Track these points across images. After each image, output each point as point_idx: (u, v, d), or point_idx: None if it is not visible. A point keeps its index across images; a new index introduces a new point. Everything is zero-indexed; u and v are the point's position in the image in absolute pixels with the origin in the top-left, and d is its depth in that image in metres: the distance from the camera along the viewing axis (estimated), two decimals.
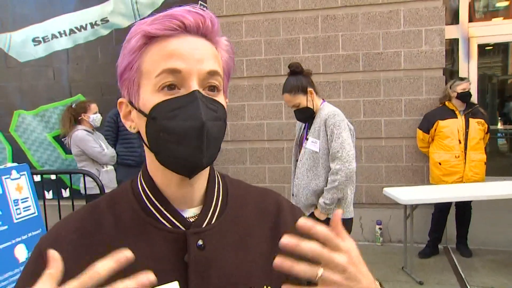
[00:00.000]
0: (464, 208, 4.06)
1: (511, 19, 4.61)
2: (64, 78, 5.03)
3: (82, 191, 3.83)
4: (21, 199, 2.52)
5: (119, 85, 0.71)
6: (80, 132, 3.80)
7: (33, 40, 5.02)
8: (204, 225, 0.69)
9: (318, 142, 2.49)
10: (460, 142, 3.89)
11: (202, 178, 0.72)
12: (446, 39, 4.31)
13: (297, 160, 2.70)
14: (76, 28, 4.94)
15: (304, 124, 2.72)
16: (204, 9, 0.66)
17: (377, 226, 4.45)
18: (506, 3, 4.78)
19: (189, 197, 0.70)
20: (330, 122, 2.43)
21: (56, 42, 5.00)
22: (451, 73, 4.63)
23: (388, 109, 4.40)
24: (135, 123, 0.70)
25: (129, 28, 0.68)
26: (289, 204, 0.82)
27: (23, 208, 2.52)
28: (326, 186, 2.46)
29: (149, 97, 0.64)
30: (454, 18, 4.56)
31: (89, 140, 3.78)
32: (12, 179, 2.50)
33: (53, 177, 4.27)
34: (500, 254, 4.08)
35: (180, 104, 0.63)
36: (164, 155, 0.65)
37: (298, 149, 2.73)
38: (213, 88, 0.66)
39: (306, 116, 2.61)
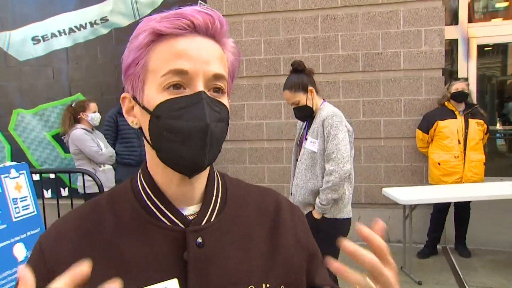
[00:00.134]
0: (463, 208, 4.07)
1: (510, 19, 4.62)
2: (64, 77, 5.03)
3: (80, 190, 3.84)
4: (20, 198, 2.52)
5: (123, 80, 0.70)
6: (78, 131, 3.81)
7: (33, 39, 5.02)
8: (203, 223, 0.69)
9: (316, 142, 2.49)
10: (459, 143, 3.90)
11: (202, 177, 0.72)
12: (445, 40, 4.31)
13: (297, 160, 2.70)
14: (76, 27, 4.94)
15: (304, 124, 2.73)
16: (214, 10, 0.66)
17: None
18: (505, 4, 4.79)
19: (188, 196, 0.71)
20: (328, 123, 2.44)
21: (55, 41, 4.99)
22: (451, 74, 4.63)
23: (387, 109, 4.41)
24: (137, 119, 0.70)
25: (128, 27, 0.68)
26: (288, 203, 0.83)
27: (22, 207, 2.52)
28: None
29: (154, 95, 0.64)
30: (453, 19, 4.57)
31: (86, 139, 3.79)
32: (11, 178, 2.50)
33: (52, 176, 4.27)
34: (499, 254, 4.08)
35: (185, 104, 0.63)
36: (166, 153, 0.65)
37: (298, 149, 2.73)
38: (217, 90, 0.67)
39: (305, 114, 2.61)
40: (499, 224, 4.19)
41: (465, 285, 3.46)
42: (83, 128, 3.86)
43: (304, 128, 2.72)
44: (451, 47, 4.65)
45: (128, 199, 0.71)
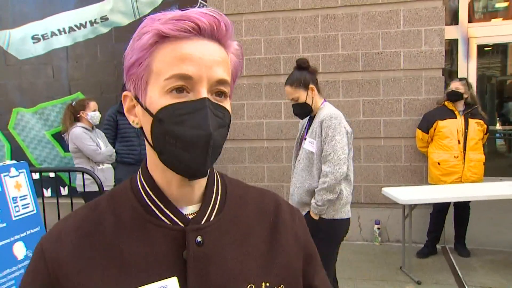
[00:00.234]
0: (462, 208, 4.07)
1: (510, 19, 4.62)
2: (63, 76, 5.03)
3: (79, 189, 3.84)
4: (20, 197, 2.52)
5: (125, 78, 0.69)
6: (77, 129, 3.82)
7: (32, 37, 5.02)
8: (203, 222, 0.69)
9: (314, 142, 2.49)
10: (459, 142, 3.90)
11: (202, 178, 0.72)
12: (445, 40, 4.31)
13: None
14: (76, 26, 4.93)
15: (305, 124, 2.72)
16: (220, 12, 0.65)
17: (376, 226, 4.45)
18: (505, 4, 4.79)
19: (188, 196, 0.71)
20: (326, 124, 2.43)
21: (55, 39, 4.99)
22: (450, 74, 4.63)
23: (387, 109, 4.41)
24: (138, 119, 0.69)
25: (128, 26, 0.68)
26: (288, 204, 0.83)
27: (22, 205, 2.52)
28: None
29: (157, 98, 0.64)
30: (453, 19, 4.57)
31: (85, 137, 3.80)
32: (11, 177, 2.49)
33: (52, 175, 4.27)
34: (499, 254, 4.09)
35: (188, 110, 0.62)
36: (168, 157, 0.65)
37: (298, 148, 2.73)
38: (220, 94, 0.67)
39: (304, 111, 2.61)
40: (499, 224, 4.20)
41: (465, 285, 3.47)
42: (82, 127, 3.87)
43: (305, 128, 2.72)
44: (451, 47, 4.66)
45: (128, 199, 0.71)
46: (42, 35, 5.00)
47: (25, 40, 5.03)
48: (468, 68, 4.48)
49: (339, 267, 2.73)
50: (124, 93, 0.71)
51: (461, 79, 4.05)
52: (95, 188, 3.40)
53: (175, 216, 0.69)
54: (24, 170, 2.60)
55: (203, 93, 0.63)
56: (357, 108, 4.46)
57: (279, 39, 4.56)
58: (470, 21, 4.51)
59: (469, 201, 3.99)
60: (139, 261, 0.65)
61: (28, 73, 5.06)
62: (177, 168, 0.65)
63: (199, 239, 0.67)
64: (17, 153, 5.05)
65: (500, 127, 5.32)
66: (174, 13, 0.64)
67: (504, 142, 5.39)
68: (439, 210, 4.05)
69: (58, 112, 4.96)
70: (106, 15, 4.86)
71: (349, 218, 2.55)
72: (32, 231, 2.54)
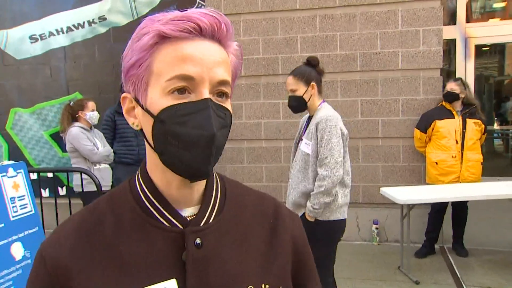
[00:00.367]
0: (460, 208, 4.08)
1: (508, 20, 4.63)
2: (61, 76, 5.02)
3: (76, 189, 3.84)
4: (18, 197, 2.51)
5: (124, 79, 0.69)
6: (74, 129, 3.82)
7: (30, 37, 5.01)
8: (202, 224, 0.69)
9: (310, 144, 2.49)
10: (457, 142, 3.91)
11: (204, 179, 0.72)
12: (443, 40, 4.32)
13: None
14: (74, 26, 4.93)
15: (304, 124, 2.72)
16: (221, 13, 0.65)
17: (374, 226, 4.46)
18: (503, 4, 4.80)
19: (188, 197, 0.71)
20: (321, 127, 2.43)
21: (53, 39, 4.98)
22: (448, 74, 4.64)
23: (385, 109, 4.41)
24: (138, 120, 0.69)
25: (127, 26, 0.67)
26: (287, 209, 0.83)
27: (20, 206, 2.51)
28: (313, 190, 2.46)
29: (158, 99, 0.63)
30: (451, 19, 4.58)
31: (81, 137, 3.79)
32: (8, 177, 2.49)
33: (50, 175, 4.27)
34: (497, 254, 4.10)
35: (191, 110, 0.62)
36: (170, 158, 0.65)
37: (296, 148, 2.72)
38: (221, 95, 0.66)
39: (297, 105, 2.60)
40: (497, 224, 4.21)
41: (463, 284, 3.47)
42: (80, 127, 3.86)
43: (303, 128, 2.72)
44: (449, 47, 4.67)
45: (127, 200, 0.70)
46: (40, 35, 4.99)
47: (23, 40, 5.02)
48: (466, 68, 4.49)
49: (337, 267, 2.73)
50: (123, 94, 0.70)
51: (456, 80, 4.06)
52: (93, 188, 3.40)
53: (174, 218, 0.68)
54: (22, 171, 2.60)
55: (205, 93, 0.63)
56: (355, 108, 4.46)
57: (277, 39, 4.56)
58: (468, 21, 4.52)
59: (467, 201, 4.00)
60: (139, 262, 0.65)
61: (26, 73, 5.05)
62: (179, 169, 0.65)
63: (198, 241, 0.67)
64: (15, 154, 5.04)
65: (498, 127, 5.33)
66: (174, 13, 0.64)
67: (502, 142, 5.40)
68: (437, 210, 4.05)
69: (56, 112, 4.96)
70: (104, 15, 4.86)
71: (345, 218, 2.54)
72: (30, 231, 2.53)
